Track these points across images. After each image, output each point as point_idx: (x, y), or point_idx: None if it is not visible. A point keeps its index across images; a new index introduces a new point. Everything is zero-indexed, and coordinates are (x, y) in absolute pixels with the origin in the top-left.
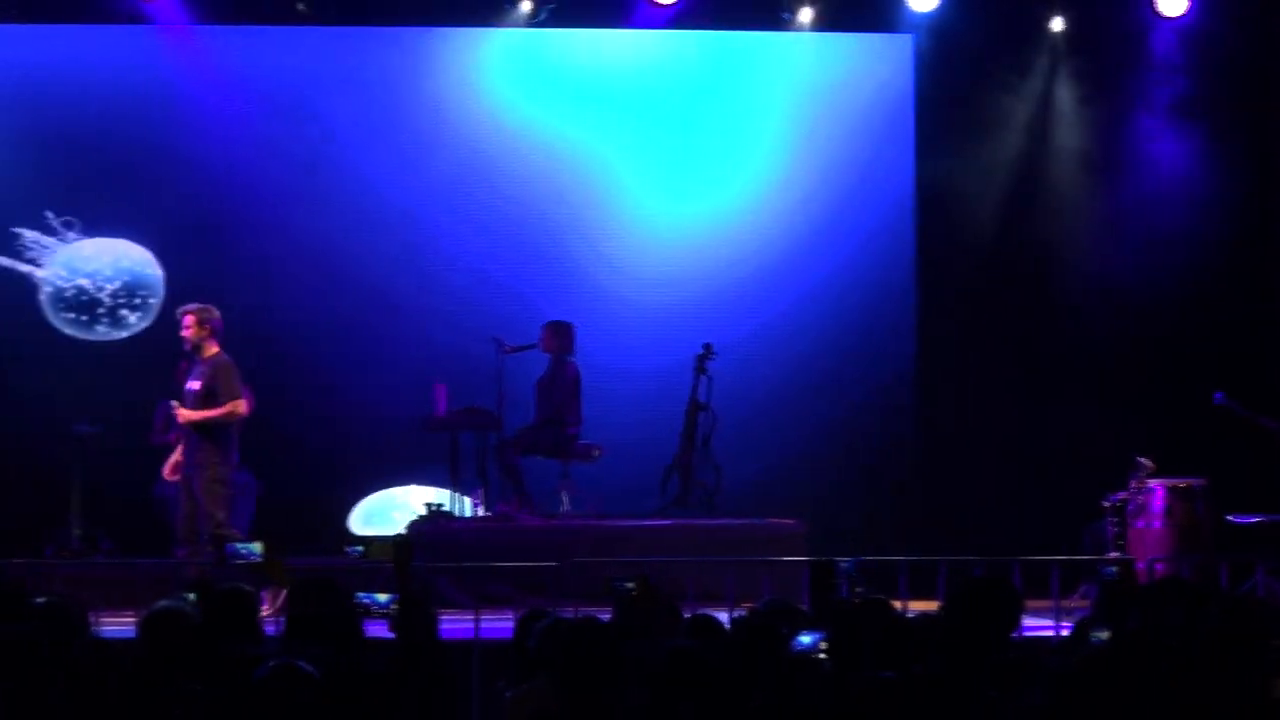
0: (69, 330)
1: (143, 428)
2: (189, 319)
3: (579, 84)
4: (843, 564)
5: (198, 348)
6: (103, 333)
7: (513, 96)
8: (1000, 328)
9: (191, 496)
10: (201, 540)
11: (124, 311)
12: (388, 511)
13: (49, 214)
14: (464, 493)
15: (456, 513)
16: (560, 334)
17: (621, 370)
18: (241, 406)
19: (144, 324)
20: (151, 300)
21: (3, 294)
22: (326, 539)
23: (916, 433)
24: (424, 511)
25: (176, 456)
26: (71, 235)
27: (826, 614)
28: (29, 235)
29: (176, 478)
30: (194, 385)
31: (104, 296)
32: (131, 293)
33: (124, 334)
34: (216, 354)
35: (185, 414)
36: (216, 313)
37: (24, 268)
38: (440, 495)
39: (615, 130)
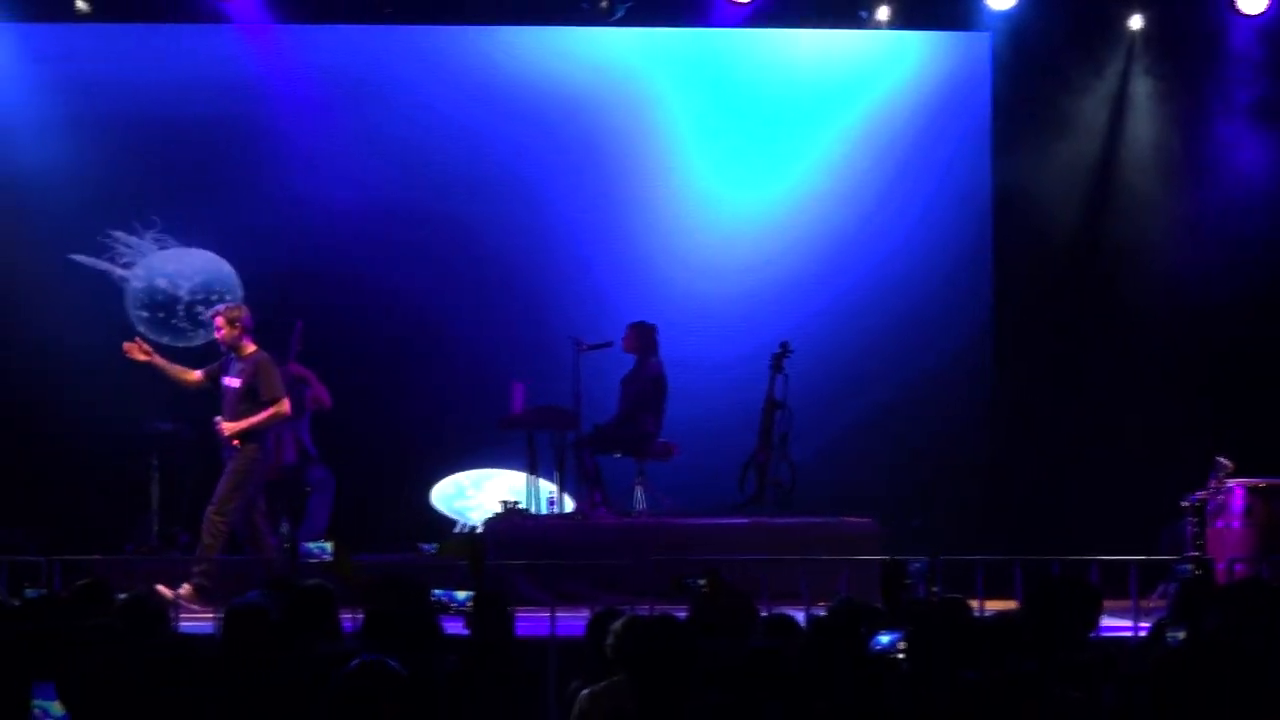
0: (142, 329)
1: None
2: (218, 320)
3: (655, 81)
4: (914, 564)
5: (234, 347)
6: (181, 330)
7: (590, 93)
8: (1077, 327)
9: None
10: (265, 537)
11: (200, 308)
12: (468, 493)
13: (132, 214)
14: (540, 490)
15: (533, 510)
16: (642, 334)
17: (698, 365)
18: (284, 407)
19: None
20: (229, 297)
21: (86, 293)
22: (403, 535)
23: (993, 432)
24: (499, 503)
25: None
26: (151, 234)
27: (898, 614)
28: (116, 236)
29: (143, 357)
30: (233, 382)
31: (181, 294)
32: (209, 290)
33: (202, 335)
34: (255, 351)
35: (229, 427)
36: (245, 310)
37: (103, 265)
38: (516, 490)
39: (692, 128)
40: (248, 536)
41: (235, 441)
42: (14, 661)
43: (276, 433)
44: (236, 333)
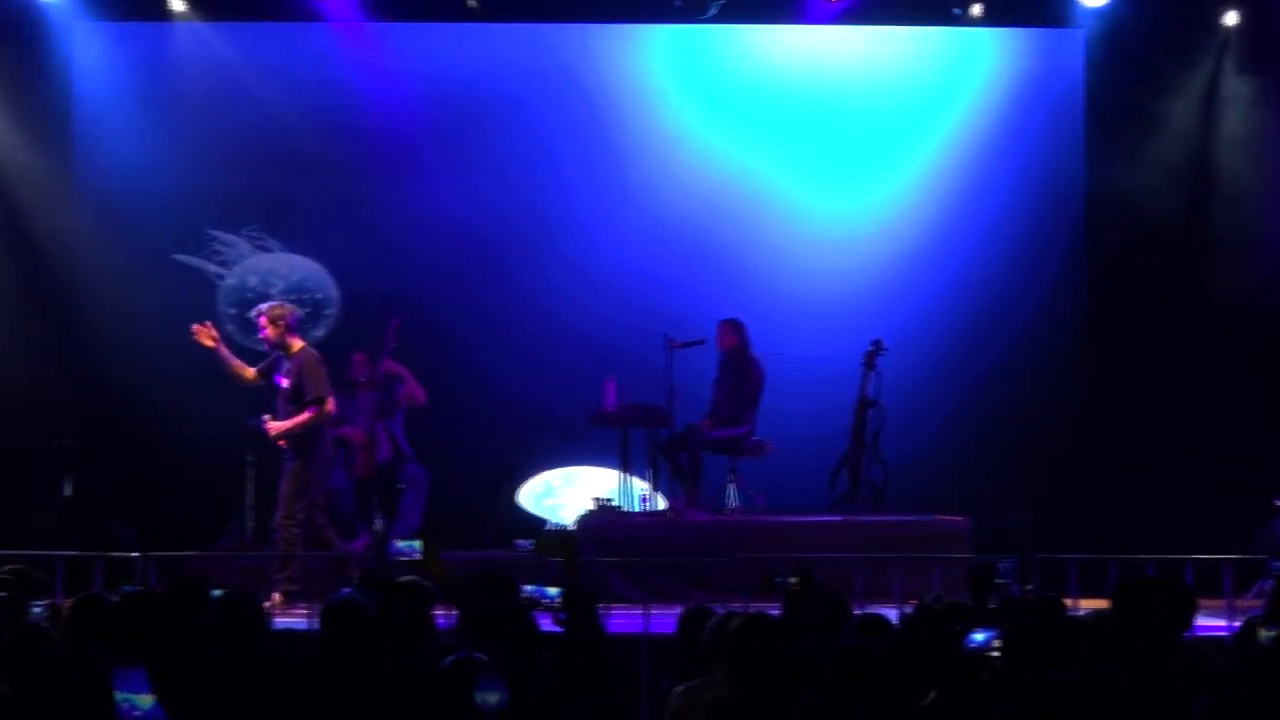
0: (231, 327)
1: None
2: (261, 319)
3: (745, 81)
4: (1003, 563)
5: (281, 346)
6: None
7: (677, 94)
8: (1172, 325)
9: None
10: (323, 531)
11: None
12: (557, 491)
13: (230, 214)
14: (633, 487)
15: (625, 507)
16: (739, 330)
17: (789, 364)
18: (328, 404)
19: (317, 331)
20: (319, 296)
21: (185, 291)
22: (498, 532)
23: (1087, 430)
24: (592, 500)
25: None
26: (246, 232)
27: (986, 614)
28: (215, 235)
29: (209, 342)
30: (283, 382)
31: (273, 294)
32: (301, 290)
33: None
34: (302, 350)
35: (275, 427)
36: (289, 309)
37: (198, 263)
38: (609, 484)
39: (781, 126)
40: (307, 535)
41: (281, 442)
42: (106, 657)
43: (370, 430)
44: (280, 331)
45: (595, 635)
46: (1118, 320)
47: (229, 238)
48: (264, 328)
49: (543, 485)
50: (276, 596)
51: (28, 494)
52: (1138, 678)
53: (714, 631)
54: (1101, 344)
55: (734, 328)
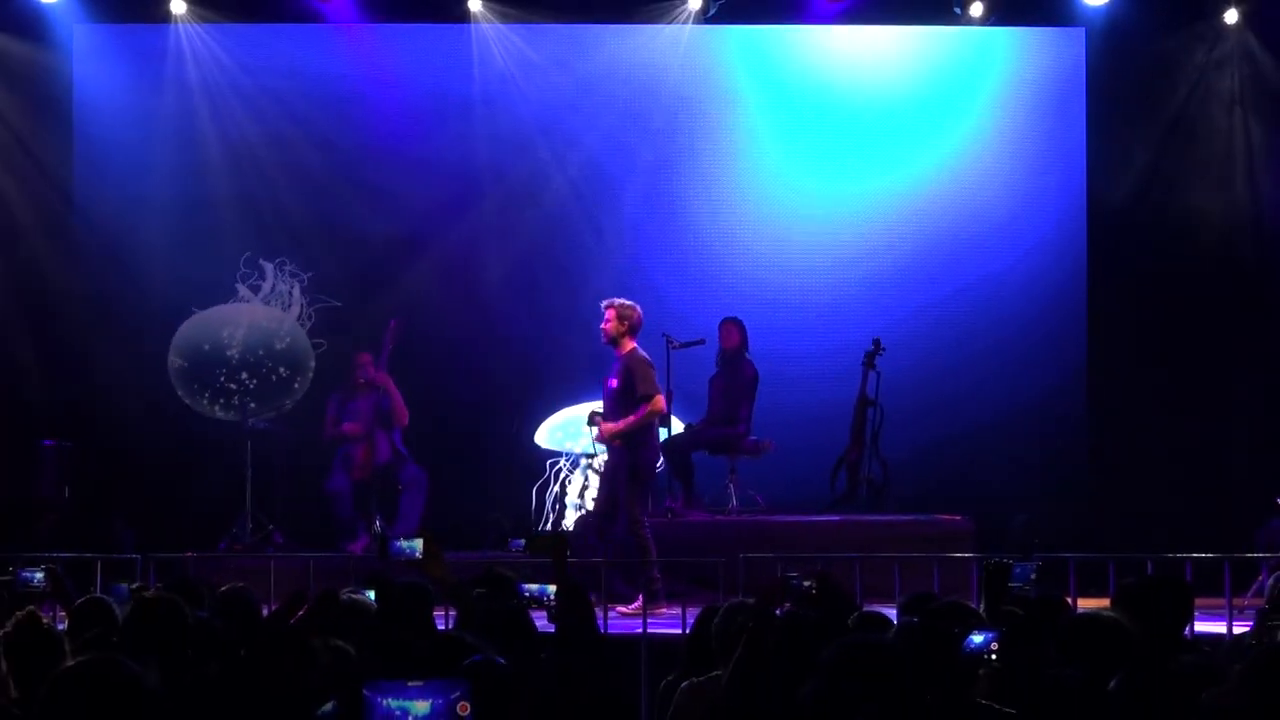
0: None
1: (315, 423)
2: (610, 313)
3: (745, 80)
4: (1019, 567)
5: (614, 342)
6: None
7: (673, 93)
8: (1174, 326)
9: (611, 493)
10: (608, 537)
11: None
12: (575, 427)
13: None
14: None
15: None
16: (742, 329)
17: (789, 362)
18: (659, 403)
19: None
20: (283, 372)
21: (186, 298)
22: (497, 533)
23: (1088, 430)
24: (591, 501)
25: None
26: (278, 262)
27: (999, 617)
28: (263, 265)
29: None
30: (612, 383)
31: (232, 354)
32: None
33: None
34: (632, 350)
35: (608, 428)
36: (638, 311)
37: (243, 290)
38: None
39: (782, 127)
40: (596, 530)
41: (616, 442)
42: None
43: (370, 431)
44: (623, 329)
45: (589, 633)
46: (1119, 319)
47: (267, 266)
48: (609, 320)
49: (563, 420)
50: (639, 599)
51: (27, 496)
52: (1143, 678)
53: (720, 627)
54: (1103, 343)
55: (739, 326)
